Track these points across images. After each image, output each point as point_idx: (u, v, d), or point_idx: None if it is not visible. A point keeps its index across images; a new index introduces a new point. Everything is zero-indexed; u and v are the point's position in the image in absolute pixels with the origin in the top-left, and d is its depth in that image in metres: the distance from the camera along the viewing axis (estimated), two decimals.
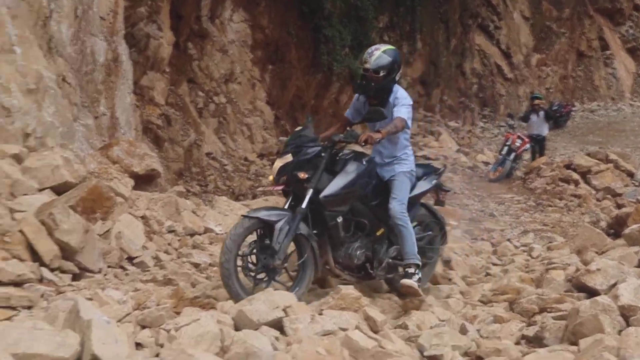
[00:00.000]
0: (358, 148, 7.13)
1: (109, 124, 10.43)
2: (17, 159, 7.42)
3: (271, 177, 6.68)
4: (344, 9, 19.74)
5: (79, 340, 4.15)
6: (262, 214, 6.24)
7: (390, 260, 7.10)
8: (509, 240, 12.16)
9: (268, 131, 17.92)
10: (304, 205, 6.35)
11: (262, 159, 16.68)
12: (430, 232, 7.67)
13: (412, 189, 7.21)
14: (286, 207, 6.47)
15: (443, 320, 6.37)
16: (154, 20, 14.36)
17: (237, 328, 5.13)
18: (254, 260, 6.32)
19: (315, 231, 6.56)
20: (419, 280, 6.91)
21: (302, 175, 6.39)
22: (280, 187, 6.54)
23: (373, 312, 5.82)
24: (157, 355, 4.44)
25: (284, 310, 5.40)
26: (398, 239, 6.97)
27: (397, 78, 7.07)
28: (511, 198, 16.68)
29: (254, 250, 6.28)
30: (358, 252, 6.82)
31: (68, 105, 8.98)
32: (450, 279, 8.36)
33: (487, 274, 9.19)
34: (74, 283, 6.30)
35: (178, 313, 5.46)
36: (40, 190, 7.30)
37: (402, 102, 6.90)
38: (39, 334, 4.06)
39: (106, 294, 5.68)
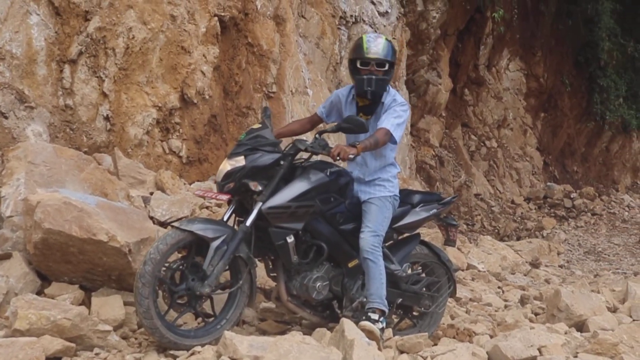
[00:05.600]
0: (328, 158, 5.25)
1: None
2: None
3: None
4: (620, 60, 18.90)
5: (341, 357, 4.25)
6: (197, 228, 4.70)
7: (365, 300, 5.30)
8: None
9: (536, 176, 17.49)
10: (248, 222, 4.85)
11: (529, 202, 16.28)
12: (431, 277, 5.81)
13: (403, 216, 5.57)
14: (225, 218, 5.01)
15: None
16: (434, 68, 14.59)
17: None
18: (178, 279, 4.81)
19: (270, 254, 5.18)
20: (382, 330, 5.17)
21: (254, 185, 4.87)
22: (225, 197, 4.94)
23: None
24: None
25: (538, 349, 5.21)
26: (365, 276, 5.26)
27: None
28: None
29: (182, 268, 4.77)
30: (318, 285, 5.15)
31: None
32: None
33: None
34: None
35: (436, 343, 5.44)
36: None
37: (394, 109, 5.22)
38: (306, 347, 4.21)
39: None
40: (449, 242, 6.11)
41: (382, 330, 5.15)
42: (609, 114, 18.76)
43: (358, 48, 5.30)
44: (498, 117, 17.12)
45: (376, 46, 5.20)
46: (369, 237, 5.15)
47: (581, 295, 6.83)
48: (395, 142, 5.27)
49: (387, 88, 5.33)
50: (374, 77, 5.18)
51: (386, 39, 5.30)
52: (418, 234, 5.88)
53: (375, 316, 5.16)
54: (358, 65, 5.27)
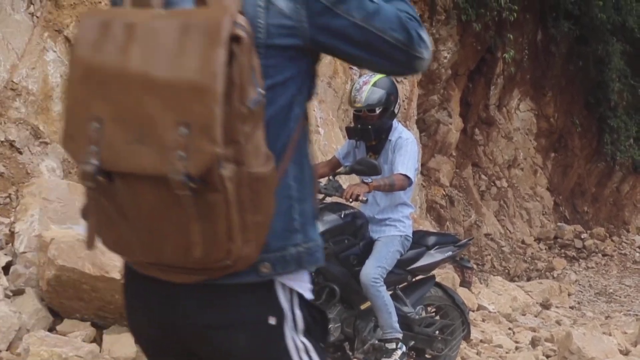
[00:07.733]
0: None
1: None
2: None
3: None
4: (631, 101, 18.95)
5: None
6: None
7: (377, 342, 5.27)
8: None
9: (546, 216, 17.44)
10: None
11: (539, 243, 16.23)
12: (445, 320, 5.75)
13: (418, 259, 5.49)
14: None
15: None
16: (445, 108, 14.65)
17: None
18: None
19: None
20: (402, 356, 5.18)
21: None
22: None
23: None
24: None
25: None
26: (373, 309, 5.21)
27: (396, 111, 5.38)
28: None
29: None
30: (330, 326, 5.01)
31: None
32: None
33: None
34: None
35: None
36: None
37: (405, 149, 5.19)
38: None
39: None
40: (465, 284, 6.10)
41: (402, 355, 5.15)
42: (620, 154, 18.76)
43: (349, 97, 5.38)
44: (508, 157, 17.14)
45: (360, 94, 5.19)
46: (369, 270, 5.08)
47: (593, 338, 6.80)
48: (410, 186, 5.22)
49: (392, 125, 5.33)
50: (367, 126, 5.21)
51: (374, 84, 5.21)
52: (433, 276, 5.83)
53: (392, 345, 5.14)
54: (354, 112, 5.37)
